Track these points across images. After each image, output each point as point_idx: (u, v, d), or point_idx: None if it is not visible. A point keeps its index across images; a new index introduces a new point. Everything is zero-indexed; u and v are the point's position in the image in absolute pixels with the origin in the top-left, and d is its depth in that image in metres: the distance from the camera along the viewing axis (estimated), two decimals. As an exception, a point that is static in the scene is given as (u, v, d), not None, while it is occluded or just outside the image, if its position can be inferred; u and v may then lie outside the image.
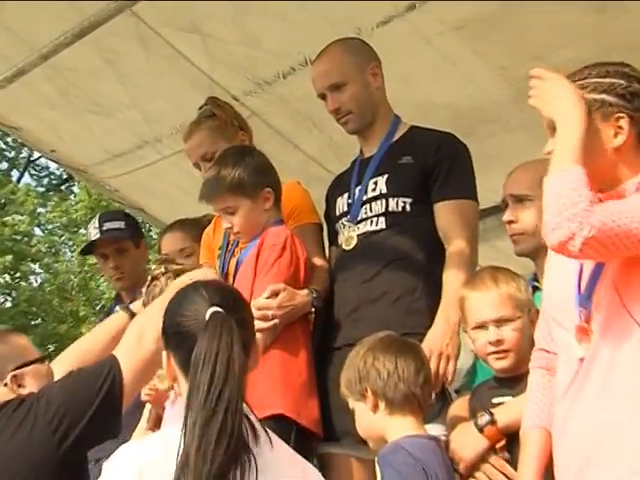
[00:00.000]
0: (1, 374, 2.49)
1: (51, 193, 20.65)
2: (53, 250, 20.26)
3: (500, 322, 2.73)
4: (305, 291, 3.17)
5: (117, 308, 3.30)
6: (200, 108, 3.78)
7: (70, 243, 20.50)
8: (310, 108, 4.41)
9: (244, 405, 2.06)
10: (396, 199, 3.20)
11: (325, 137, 4.61)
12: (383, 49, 3.60)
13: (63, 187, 20.97)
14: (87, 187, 17.36)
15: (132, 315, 2.93)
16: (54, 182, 21.12)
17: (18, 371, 2.49)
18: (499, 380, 2.79)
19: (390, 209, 3.20)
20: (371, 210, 3.23)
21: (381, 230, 3.20)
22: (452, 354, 2.97)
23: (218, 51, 4.20)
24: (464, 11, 3.71)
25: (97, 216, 4.41)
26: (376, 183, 3.25)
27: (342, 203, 3.36)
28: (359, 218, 3.25)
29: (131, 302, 4.06)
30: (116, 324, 2.95)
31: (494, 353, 2.74)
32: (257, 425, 2.11)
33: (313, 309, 3.20)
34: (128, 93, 4.61)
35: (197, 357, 2.01)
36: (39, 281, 19.98)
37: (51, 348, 19.15)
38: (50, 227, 20.73)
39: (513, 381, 2.71)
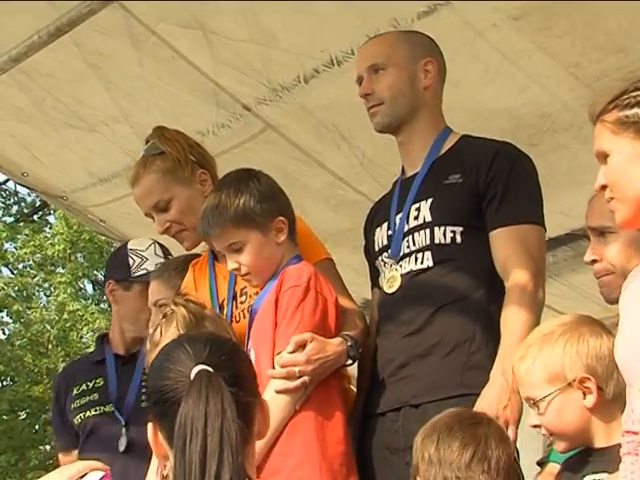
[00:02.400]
0: None
1: (21, 224, 20.81)
2: (25, 294, 20.38)
3: (532, 405, 2.77)
4: (338, 339, 3.18)
5: None
6: (146, 142, 3.77)
7: (46, 285, 20.64)
8: (338, 118, 4.46)
9: None
10: (443, 228, 3.21)
11: (357, 153, 4.65)
12: (426, 45, 3.64)
13: (36, 217, 21.13)
14: (66, 217, 17.52)
15: None
16: (25, 211, 21.29)
17: None
18: (592, 451, 2.78)
19: (437, 241, 3.21)
20: (414, 243, 3.24)
21: (428, 268, 3.21)
22: (511, 418, 2.95)
23: (225, 51, 4.25)
24: (524, -4, 3.75)
25: (153, 242, 4.43)
26: (418, 209, 3.26)
27: (381, 235, 3.38)
28: (401, 253, 3.27)
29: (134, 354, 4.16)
30: None
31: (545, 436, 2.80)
32: None
33: (350, 361, 3.22)
34: (117, 103, 4.67)
35: (181, 428, 1.99)
36: (7, 333, 20.08)
37: (22, 415, 19.23)
38: (21, 266, 20.88)
39: (610, 451, 2.67)
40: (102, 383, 4.23)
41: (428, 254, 3.22)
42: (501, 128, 4.19)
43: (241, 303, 3.46)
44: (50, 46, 4.12)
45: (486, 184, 3.21)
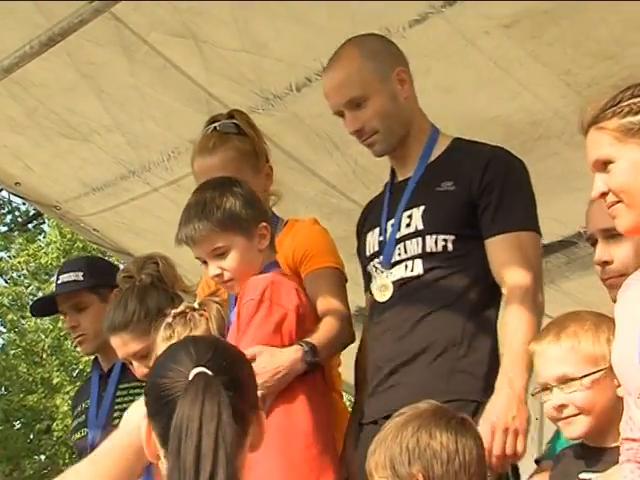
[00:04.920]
0: None
1: (15, 233, 20.80)
2: (19, 304, 20.35)
3: (564, 382, 2.76)
4: (293, 347, 3.16)
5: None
6: (212, 121, 3.67)
7: (39, 294, 20.59)
8: (330, 126, 4.44)
9: None
10: (435, 237, 3.20)
11: (349, 161, 4.65)
12: (418, 53, 3.64)
13: (30, 226, 21.12)
14: (59, 225, 17.51)
15: None
16: (19, 220, 21.28)
17: None
18: (588, 449, 2.79)
19: (428, 249, 3.20)
20: (406, 251, 3.23)
21: (418, 276, 3.21)
22: (521, 428, 2.93)
23: (217, 60, 4.25)
24: (515, 4, 3.74)
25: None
26: (410, 217, 3.25)
27: (373, 241, 3.37)
28: (392, 260, 3.26)
29: (110, 370, 4.14)
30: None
31: (562, 419, 2.78)
32: None
33: (306, 366, 3.18)
34: (109, 113, 4.67)
35: (177, 429, 1.99)
36: (2, 342, 20.05)
37: (17, 425, 19.20)
38: (15, 275, 20.85)
39: (606, 450, 2.70)
40: (89, 404, 4.21)
41: (418, 262, 3.21)
42: (493, 135, 4.17)
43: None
44: (42, 56, 4.11)
45: (480, 192, 3.19)
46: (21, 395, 18.96)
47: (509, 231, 3.16)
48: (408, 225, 3.24)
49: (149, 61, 4.32)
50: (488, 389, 3.03)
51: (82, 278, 4.30)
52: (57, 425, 18.03)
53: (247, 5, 3.97)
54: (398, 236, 3.26)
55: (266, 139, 4.56)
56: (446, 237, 3.19)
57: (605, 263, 2.96)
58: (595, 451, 2.76)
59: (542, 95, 4.14)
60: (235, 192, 3.27)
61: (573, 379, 2.74)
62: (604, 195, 2.40)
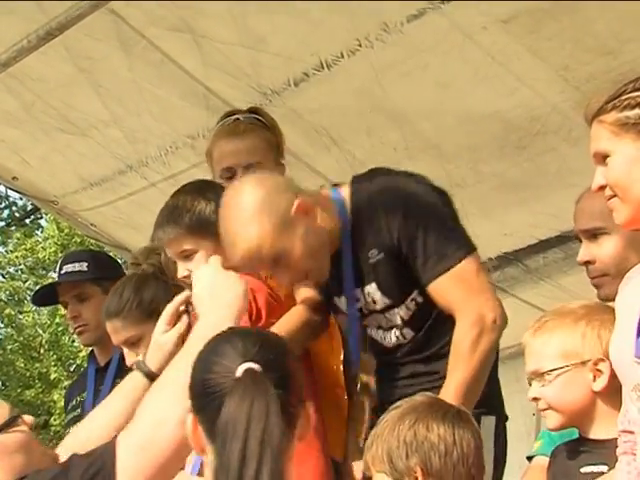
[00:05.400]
0: None
1: (13, 228, 20.79)
2: (16, 298, 20.36)
3: (537, 375, 2.80)
4: None
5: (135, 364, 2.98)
6: (231, 114, 3.72)
7: (37, 289, 20.59)
8: (328, 122, 4.46)
9: None
10: (403, 305, 3.22)
11: (346, 155, 4.65)
12: (415, 48, 3.64)
13: (28, 221, 21.11)
14: (57, 220, 17.52)
15: (152, 377, 2.71)
16: (16, 215, 21.26)
17: None
18: (585, 442, 2.80)
19: (406, 317, 3.24)
20: (389, 321, 3.26)
21: (412, 338, 3.26)
22: None
23: (215, 54, 4.26)
24: (512, 4, 3.74)
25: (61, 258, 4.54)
26: (370, 294, 3.24)
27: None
28: (379, 325, 3.30)
29: (107, 364, 4.15)
30: (133, 393, 2.73)
31: (539, 411, 2.86)
32: None
33: None
34: (107, 107, 4.67)
35: (223, 427, 1.93)
36: (-1, 337, 20.06)
37: (15, 419, 19.20)
38: (12, 270, 20.86)
39: (609, 444, 2.66)
40: (85, 397, 4.21)
41: (407, 330, 3.25)
42: (491, 131, 4.20)
43: None
44: (40, 50, 4.13)
45: (398, 250, 3.15)
46: (18, 390, 18.98)
47: (437, 276, 3.14)
48: (374, 302, 3.24)
49: (147, 56, 4.32)
50: (486, 402, 3.12)
51: (86, 269, 4.33)
52: (55, 420, 18.02)
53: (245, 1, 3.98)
54: (371, 309, 3.26)
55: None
56: (412, 297, 3.21)
57: (587, 263, 2.98)
58: (593, 444, 2.77)
59: (540, 90, 4.14)
60: (208, 197, 3.28)
61: (544, 373, 2.78)
62: (603, 188, 2.41)
